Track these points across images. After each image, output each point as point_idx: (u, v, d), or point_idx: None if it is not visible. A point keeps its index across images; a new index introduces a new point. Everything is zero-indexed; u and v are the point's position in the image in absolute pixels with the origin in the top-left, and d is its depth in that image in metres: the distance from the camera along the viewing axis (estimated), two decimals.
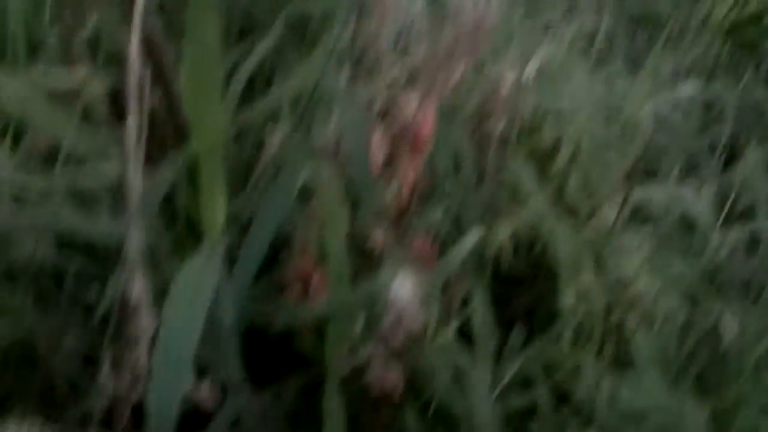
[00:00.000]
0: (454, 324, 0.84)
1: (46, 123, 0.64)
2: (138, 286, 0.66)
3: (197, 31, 0.48)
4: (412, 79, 0.81)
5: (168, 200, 0.84)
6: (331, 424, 0.76)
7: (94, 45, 1.01)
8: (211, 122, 0.51)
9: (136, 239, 0.69)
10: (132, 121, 0.63)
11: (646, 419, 0.83)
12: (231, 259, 0.74)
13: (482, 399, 0.76)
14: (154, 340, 0.72)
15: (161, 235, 0.65)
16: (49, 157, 0.91)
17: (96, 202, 0.80)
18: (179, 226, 0.81)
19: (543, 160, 1.13)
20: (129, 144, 0.68)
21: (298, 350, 0.94)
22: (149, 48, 0.71)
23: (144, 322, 0.69)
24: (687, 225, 1.29)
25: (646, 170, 1.40)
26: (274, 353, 0.95)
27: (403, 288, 0.63)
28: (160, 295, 0.87)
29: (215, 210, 0.56)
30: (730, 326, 0.99)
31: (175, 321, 0.56)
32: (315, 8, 0.96)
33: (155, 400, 0.52)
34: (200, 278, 0.56)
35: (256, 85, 1.07)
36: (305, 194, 0.81)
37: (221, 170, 0.54)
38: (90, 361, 0.82)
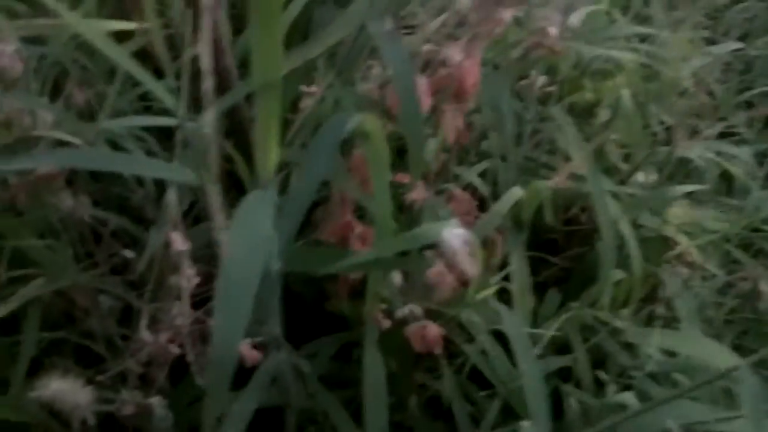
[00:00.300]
0: (494, 282, 0.83)
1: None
2: (178, 240, 0.66)
3: None
4: (456, 29, 0.79)
5: None
6: (371, 381, 0.75)
7: None
8: (271, 58, 0.50)
9: (174, 193, 0.68)
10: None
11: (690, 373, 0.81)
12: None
13: (525, 359, 0.75)
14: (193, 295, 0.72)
15: (205, 185, 0.63)
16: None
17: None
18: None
19: (584, 116, 1.11)
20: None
21: (333, 311, 0.94)
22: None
23: (184, 277, 0.68)
24: (727, 184, 1.27)
25: (685, 129, 1.37)
26: (309, 316, 0.94)
27: (454, 236, 0.61)
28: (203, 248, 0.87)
29: (270, 148, 0.55)
30: (766, 290, 0.97)
31: (236, 261, 0.54)
32: None
33: (217, 343, 0.51)
34: (258, 216, 0.55)
35: (294, 37, 1.05)
36: (347, 146, 0.80)
37: (278, 110, 0.53)
38: (128, 319, 0.82)
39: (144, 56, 0.81)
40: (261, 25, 0.48)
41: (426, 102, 0.72)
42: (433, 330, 0.75)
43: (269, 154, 0.57)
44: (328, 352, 0.93)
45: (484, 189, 0.98)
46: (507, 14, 0.72)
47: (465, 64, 0.75)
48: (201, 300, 0.79)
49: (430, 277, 0.68)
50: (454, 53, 0.75)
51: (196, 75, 0.89)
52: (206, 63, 0.60)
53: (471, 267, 0.62)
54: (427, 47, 0.76)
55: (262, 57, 0.51)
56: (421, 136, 0.65)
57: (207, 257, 0.90)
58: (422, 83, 0.71)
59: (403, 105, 0.65)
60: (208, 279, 0.89)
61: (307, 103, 0.88)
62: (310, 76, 0.93)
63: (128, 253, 0.82)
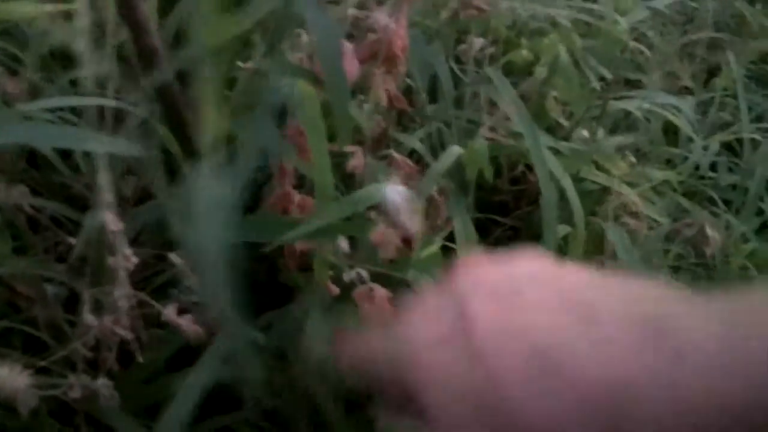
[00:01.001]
0: (439, 240, 0.83)
1: None
2: (112, 220, 0.65)
3: None
4: None
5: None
6: (317, 346, 0.75)
7: None
8: (216, 26, 0.49)
9: (106, 175, 0.67)
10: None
11: None
12: None
13: None
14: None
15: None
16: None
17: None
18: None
19: (522, 75, 1.12)
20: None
21: (287, 284, 0.94)
22: None
23: (121, 257, 0.68)
24: (672, 135, 1.29)
25: (626, 83, 1.38)
26: (264, 293, 0.94)
27: (396, 194, 0.62)
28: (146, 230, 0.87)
29: (211, 119, 0.55)
30: (713, 235, 0.99)
31: (204, 221, 0.55)
32: None
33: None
34: (212, 184, 0.55)
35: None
36: (283, 117, 0.79)
37: (217, 76, 0.53)
38: (75, 305, 0.81)
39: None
40: None
41: (353, 67, 0.72)
42: (380, 292, 0.75)
43: (211, 125, 0.57)
44: (281, 324, 0.93)
45: (426, 154, 0.98)
46: None
47: (392, 28, 0.75)
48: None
49: (375, 238, 0.68)
50: (380, 17, 0.75)
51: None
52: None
53: (414, 224, 0.62)
54: (352, 12, 0.75)
55: (198, 23, 0.51)
56: (346, 100, 0.65)
57: (151, 240, 0.90)
58: (348, 48, 0.71)
59: (328, 70, 0.65)
60: (155, 261, 0.89)
61: (243, 77, 0.87)
62: (246, 51, 0.92)
63: (71, 239, 0.81)
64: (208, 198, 0.56)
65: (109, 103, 0.67)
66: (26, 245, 0.84)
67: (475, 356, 0.35)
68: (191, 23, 0.52)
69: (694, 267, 1.04)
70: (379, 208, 0.67)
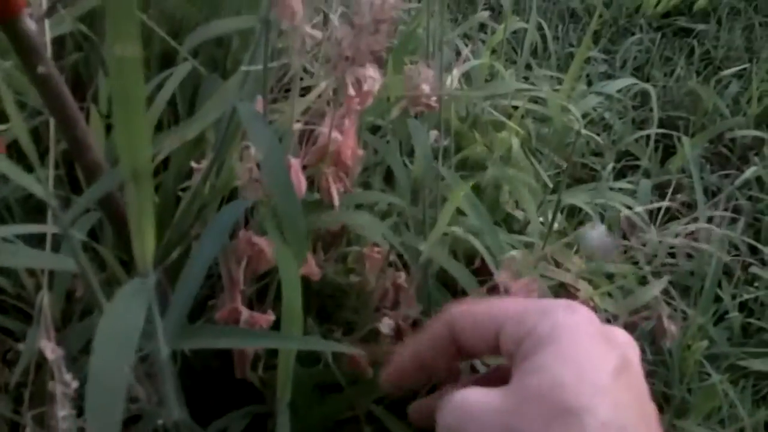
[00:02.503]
0: None
1: None
2: (49, 348, 0.63)
3: (118, 46, 0.45)
4: (330, 96, 0.79)
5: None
6: None
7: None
8: (137, 146, 0.48)
9: (47, 293, 0.66)
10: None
11: None
12: (163, 300, 0.72)
13: None
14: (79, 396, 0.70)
15: (88, 267, 0.61)
16: None
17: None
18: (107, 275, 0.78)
19: (477, 168, 1.12)
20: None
21: (241, 380, 0.92)
22: (48, 89, 0.68)
23: (61, 381, 0.65)
24: (626, 224, 1.29)
25: (583, 167, 1.40)
26: (219, 388, 0.92)
27: None
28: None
29: (144, 240, 0.53)
30: (670, 328, 0.98)
31: (103, 364, 0.52)
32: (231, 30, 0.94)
33: None
34: (129, 313, 0.53)
35: (180, 112, 1.04)
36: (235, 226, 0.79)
37: (150, 197, 0.51)
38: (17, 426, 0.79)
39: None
40: (122, 113, 0.47)
41: (300, 181, 0.71)
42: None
43: (146, 243, 0.55)
44: (238, 427, 0.91)
45: (384, 248, 0.97)
46: (373, 83, 0.72)
47: (339, 139, 0.75)
48: None
49: None
50: (329, 120, 0.74)
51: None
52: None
53: None
54: (298, 126, 0.75)
55: (127, 146, 0.49)
56: (297, 216, 0.64)
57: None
58: (295, 163, 0.70)
59: (275, 188, 0.64)
60: None
61: (194, 180, 0.87)
62: (200, 149, 0.92)
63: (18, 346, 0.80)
64: (132, 317, 0.54)
65: (50, 229, 0.65)
66: None
67: None
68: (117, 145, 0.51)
69: (651, 364, 1.03)
70: None
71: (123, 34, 0.46)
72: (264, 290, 0.89)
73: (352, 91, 0.71)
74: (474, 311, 0.54)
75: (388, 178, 1.12)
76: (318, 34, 0.65)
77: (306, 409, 0.83)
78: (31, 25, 0.62)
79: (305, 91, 1.00)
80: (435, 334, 0.57)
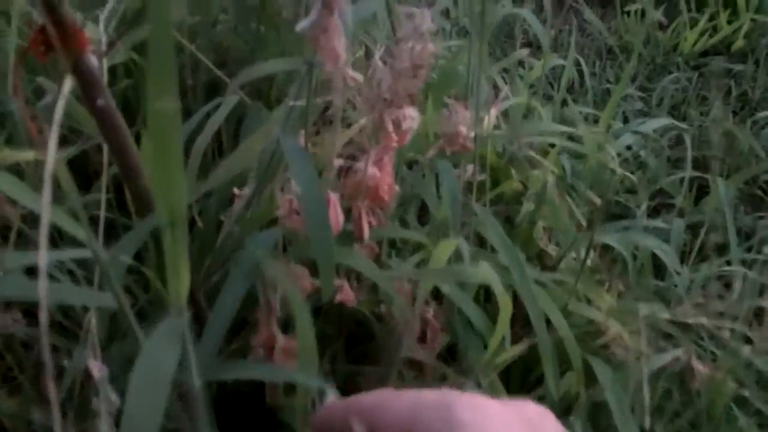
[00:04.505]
0: None
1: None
2: (96, 368, 0.66)
3: (157, 101, 0.49)
4: (369, 133, 0.82)
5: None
6: None
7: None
8: (173, 195, 0.51)
9: (94, 315, 0.69)
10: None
11: None
12: (200, 323, 0.75)
13: None
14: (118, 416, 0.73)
15: (127, 306, 0.64)
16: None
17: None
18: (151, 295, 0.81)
19: (511, 204, 1.14)
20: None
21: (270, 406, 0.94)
22: (106, 120, 0.71)
23: (105, 399, 0.68)
24: (659, 261, 1.30)
25: (616, 204, 1.41)
26: (246, 411, 0.94)
27: None
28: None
29: (179, 281, 0.56)
30: (699, 369, 0.99)
31: (139, 396, 0.55)
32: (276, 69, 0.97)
33: None
34: (163, 352, 0.56)
35: (224, 144, 1.07)
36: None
37: (184, 242, 0.54)
38: None
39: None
40: (160, 164, 0.50)
41: (337, 217, 0.73)
42: None
43: (180, 285, 0.58)
44: None
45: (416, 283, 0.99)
46: (412, 123, 0.75)
47: (376, 175, 0.77)
48: None
49: None
50: (365, 166, 0.77)
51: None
52: None
53: None
54: (338, 162, 0.78)
55: (164, 196, 0.52)
56: (330, 254, 0.67)
57: None
58: (334, 199, 0.73)
59: (311, 224, 0.66)
60: None
61: (232, 213, 0.90)
62: (242, 176, 0.95)
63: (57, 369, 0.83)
64: (165, 359, 0.57)
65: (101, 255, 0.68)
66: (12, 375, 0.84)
67: None
68: (153, 192, 0.54)
69: (679, 405, 1.04)
70: None
71: (162, 89, 0.49)
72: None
73: (390, 130, 0.74)
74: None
75: (423, 211, 1.14)
76: (359, 76, 0.68)
77: None
78: (93, 61, 0.65)
79: (345, 124, 1.03)
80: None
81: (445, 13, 1.65)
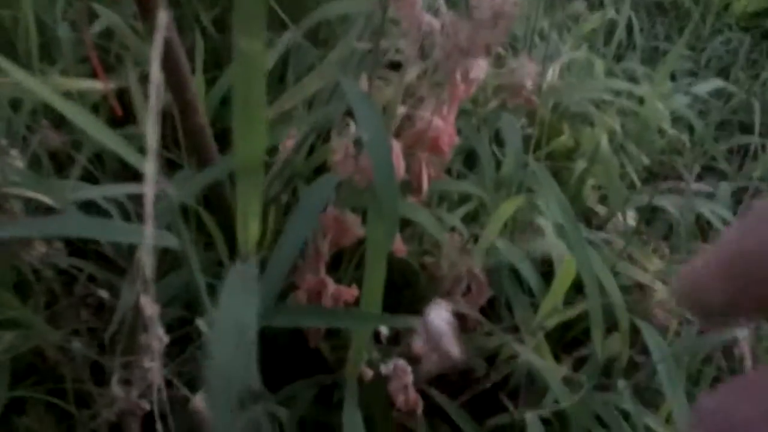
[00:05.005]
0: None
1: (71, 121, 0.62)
2: (148, 305, 0.65)
3: (245, 40, 0.47)
4: (432, 81, 0.79)
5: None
6: None
7: (105, 39, 1.00)
8: (253, 140, 0.50)
9: (150, 254, 0.67)
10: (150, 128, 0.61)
11: None
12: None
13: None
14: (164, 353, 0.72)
15: (187, 245, 0.63)
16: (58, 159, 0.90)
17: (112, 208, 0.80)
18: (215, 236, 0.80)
19: (563, 160, 1.12)
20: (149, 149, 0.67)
21: (313, 349, 0.94)
22: (166, 54, 0.69)
23: (155, 336, 0.68)
24: (703, 223, 1.28)
25: (665, 169, 1.38)
26: (285, 355, 0.94)
27: (440, 320, 0.61)
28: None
29: (249, 229, 0.55)
30: (743, 336, 0.97)
31: (224, 345, 0.55)
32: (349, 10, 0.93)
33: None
34: (242, 300, 0.55)
35: (271, 84, 1.05)
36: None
37: (259, 189, 0.53)
38: (100, 370, 0.81)
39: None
40: (242, 106, 0.48)
41: (399, 165, 0.72)
42: (414, 393, 0.75)
43: (250, 233, 0.57)
44: (306, 397, 0.93)
45: (464, 231, 0.98)
46: (480, 73, 0.72)
47: (440, 125, 0.75)
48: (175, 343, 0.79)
49: (416, 350, 0.67)
50: (428, 115, 0.75)
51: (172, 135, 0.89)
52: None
53: (455, 350, 0.61)
54: (401, 110, 0.76)
55: (243, 144, 0.51)
56: (395, 199, 0.65)
57: (183, 302, 0.91)
58: (396, 148, 0.71)
59: (377, 170, 0.65)
60: (182, 323, 0.89)
61: (284, 152, 0.88)
62: (287, 122, 0.93)
63: (103, 293, 0.82)
64: (244, 308, 0.56)
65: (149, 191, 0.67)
66: (58, 308, 0.84)
67: None
68: (234, 140, 0.53)
69: (724, 371, 1.03)
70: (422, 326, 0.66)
71: (251, 29, 0.47)
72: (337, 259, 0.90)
73: (459, 80, 0.71)
74: None
75: (468, 161, 1.12)
76: (437, 23, 0.66)
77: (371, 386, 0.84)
78: None
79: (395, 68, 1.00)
80: None
81: None
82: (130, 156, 0.59)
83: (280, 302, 0.86)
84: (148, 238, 0.65)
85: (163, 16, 0.42)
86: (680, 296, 0.29)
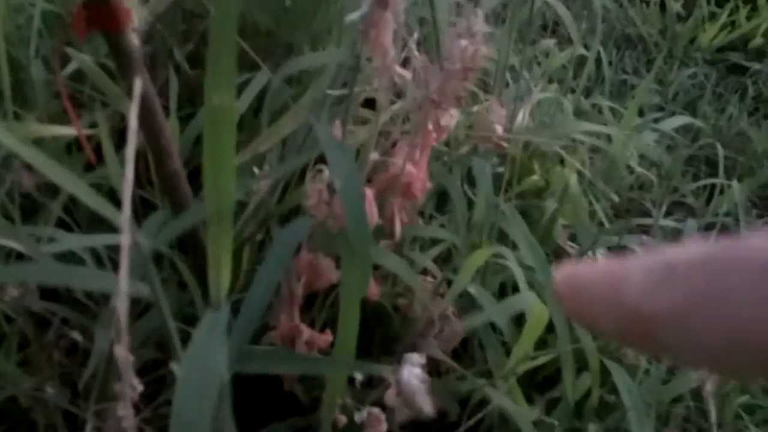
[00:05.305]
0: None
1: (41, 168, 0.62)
2: (123, 354, 0.65)
3: (215, 96, 0.48)
4: (404, 126, 0.80)
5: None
6: None
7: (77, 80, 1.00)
8: (223, 190, 0.51)
9: (124, 300, 0.67)
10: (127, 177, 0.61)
11: None
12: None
13: None
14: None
15: (159, 294, 0.63)
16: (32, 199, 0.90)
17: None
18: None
19: (534, 199, 1.13)
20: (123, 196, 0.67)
21: (287, 391, 0.94)
22: (141, 101, 0.70)
23: (129, 385, 0.68)
24: None
25: (633, 205, 1.40)
26: (260, 392, 0.94)
27: (413, 376, 0.61)
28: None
29: (221, 275, 0.56)
30: (711, 377, 0.99)
31: (188, 392, 0.55)
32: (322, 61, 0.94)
33: None
34: (210, 348, 0.56)
35: (245, 126, 1.05)
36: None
37: (229, 237, 0.54)
38: (73, 416, 0.81)
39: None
40: (212, 158, 0.49)
41: (372, 212, 0.72)
42: None
43: (221, 279, 0.58)
44: None
45: (437, 273, 0.98)
46: (450, 120, 0.73)
47: (412, 171, 0.76)
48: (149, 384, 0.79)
49: (388, 401, 0.66)
50: (400, 162, 0.76)
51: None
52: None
53: (428, 406, 0.61)
54: (374, 157, 0.76)
55: (214, 196, 0.52)
56: (367, 246, 0.66)
57: (156, 343, 0.90)
58: (369, 194, 0.72)
59: (350, 217, 0.65)
60: (156, 364, 0.89)
61: (257, 194, 0.88)
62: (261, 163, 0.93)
63: (76, 336, 0.82)
64: (214, 356, 0.57)
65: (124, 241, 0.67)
66: (30, 352, 0.83)
67: None
68: (204, 186, 0.54)
69: (690, 411, 1.04)
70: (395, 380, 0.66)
71: (222, 85, 0.48)
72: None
73: (431, 129, 0.72)
74: None
75: (440, 202, 1.13)
76: (408, 74, 0.67)
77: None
78: (134, 40, 0.64)
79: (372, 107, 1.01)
80: None
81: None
82: (102, 208, 0.59)
83: (254, 343, 0.86)
84: (122, 288, 0.65)
85: (139, 85, 0.42)
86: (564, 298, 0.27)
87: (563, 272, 0.27)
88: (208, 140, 0.49)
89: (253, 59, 1.02)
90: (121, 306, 0.68)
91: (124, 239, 0.63)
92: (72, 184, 0.62)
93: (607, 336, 0.25)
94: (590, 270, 0.26)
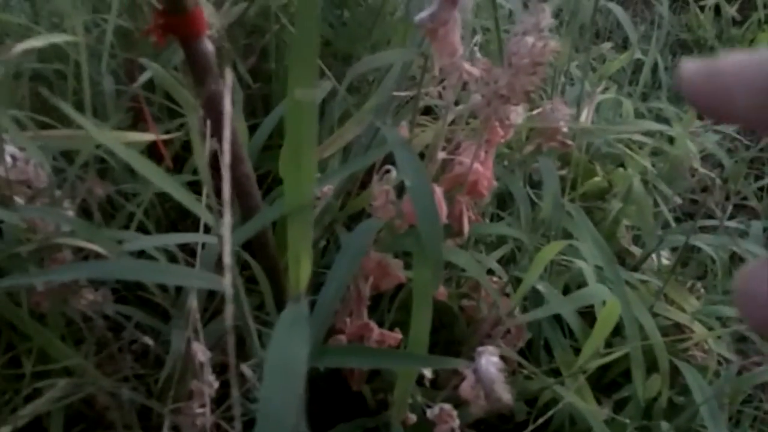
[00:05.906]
0: None
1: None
2: (200, 350, 0.67)
3: (297, 90, 0.49)
4: (470, 126, 0.81)
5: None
6: None
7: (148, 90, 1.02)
8: (303, 184, 0.51)
9: (195, 299, 0.69)
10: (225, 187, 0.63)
11: None
12: None
13: None
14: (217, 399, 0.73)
15: (240, 288, 0.65)
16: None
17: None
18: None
19: (596, 200, 1.13)
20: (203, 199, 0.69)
21: (354, 393, 0.94)
22: (214, 107, 0.71)
23: (207, 381, 0.69)
24: (736, 262, 1.28)
25: (692, 203, 1.39)
26: (326, 394, 0.95)
27: (490, 365, 0.62)
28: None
29: (301, 269, 0.57)
30: None
31: (274, 385, 0.56)
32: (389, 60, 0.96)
33: None
34: (293, 340, 0.56)
35: None
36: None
37: (309, 231, 0.55)
38: (147, 416, 0.83)
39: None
40: (293, 152, 0.50)
41: (443, 212, 0.73)
42: None
43: (301, 272, 0.59)
44: None
45: (502, 273, 0.98)
46: (517, 118, 0.74)
47: (479, 169, 0.77)
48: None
49: (464, 393, 0.67)
50: (467, 160, 0.76)
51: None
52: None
53: (506, 395, 0.61)
54: (441, 155, 0.77)
55: (294, 184, 0.53)
56: (439, 244, 0.66)
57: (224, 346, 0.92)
58: (438, 193, 0.72)
59: (421, 217, 0.66)
60: (223, 368, 0.90)
61: (323, 198, 0.90)
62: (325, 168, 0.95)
63: (148, 340, 0.84)
64: (296, 347, 0.57)
65: (202, 239, 0.69)
66: (105, 354, 0.86)
67: None
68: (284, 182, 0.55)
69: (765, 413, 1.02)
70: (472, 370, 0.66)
71: (304, 79, 0.49)
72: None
73: (497, 125, 0.73)
74: None
75: (501, 203, 1.13)
76: (476, 71, 0.67)
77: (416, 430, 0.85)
78: (209, 46, 0.65)
79: (433, 116, 1.02)
80: None
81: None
82: (189, 203, 0.61)
83: (323, 345, 0.87)
84: (200, 281, 0.67)
85: (229, 110, 0.44)
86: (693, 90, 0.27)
87: (689, 67, 0.27)
88: (289, 133, 0.50)
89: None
90: (195, 302, 0.70)
91: (207, 237, 0.64)
92: (163, 180, 0.64)
93: (741, 119, 0.24)
94: (723, 60, 0.25)
